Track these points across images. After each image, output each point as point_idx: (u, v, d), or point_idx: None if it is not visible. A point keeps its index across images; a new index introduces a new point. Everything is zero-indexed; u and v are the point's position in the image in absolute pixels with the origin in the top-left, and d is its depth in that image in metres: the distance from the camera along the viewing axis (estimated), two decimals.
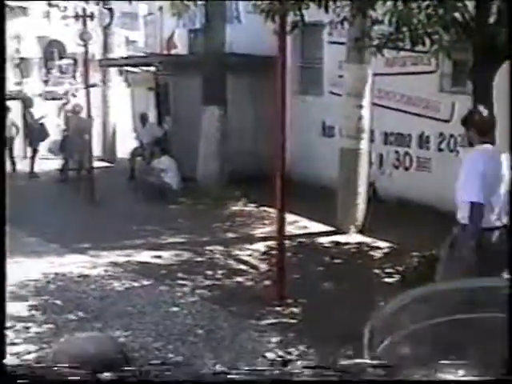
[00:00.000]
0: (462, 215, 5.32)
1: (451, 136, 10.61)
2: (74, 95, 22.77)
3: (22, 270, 8.32)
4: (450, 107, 10.52)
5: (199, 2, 13.26)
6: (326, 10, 7.36)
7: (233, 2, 14.82)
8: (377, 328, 1.86)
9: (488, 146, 5.47)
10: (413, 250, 8.53)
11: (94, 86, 16.18)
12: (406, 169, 11.60)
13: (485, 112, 5.60)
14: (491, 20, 6.88)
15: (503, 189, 5.33)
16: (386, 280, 7.90)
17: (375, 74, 10.17)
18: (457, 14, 6.63)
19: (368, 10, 7.69)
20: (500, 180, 5.36)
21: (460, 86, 10.02)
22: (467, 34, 6.85)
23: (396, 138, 11.76)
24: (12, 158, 15.89)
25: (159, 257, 8.91)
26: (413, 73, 11.17)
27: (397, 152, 11.74)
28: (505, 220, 5.33)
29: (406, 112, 11.50)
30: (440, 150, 10.89)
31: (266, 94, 11.69)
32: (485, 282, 2.29)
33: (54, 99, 18.22)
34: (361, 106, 9.74)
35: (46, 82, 36.00)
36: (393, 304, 2.04)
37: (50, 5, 19.71)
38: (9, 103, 16.39)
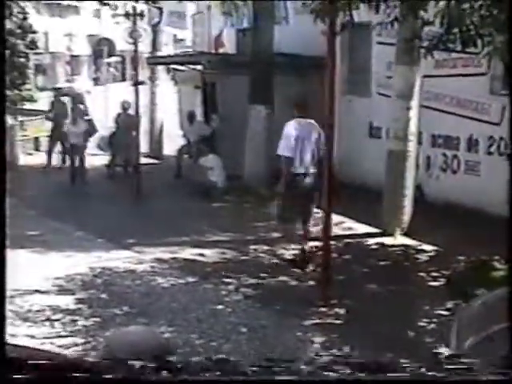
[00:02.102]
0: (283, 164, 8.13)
1: (501, 139, 10.45)
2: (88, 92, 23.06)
3: (70, 263, 8.47)
4: (500, 110, 10.36)
5: (248, 2, 13.30)
6: (377, 11, 7.32)
7: (281, 3, 14.82)
8: (464, 324, 1.86)
9: (301, 119, 8.25)
10: (459, 253, 8.44)
11: (142, 83, 16.31)
12: (454, 172, 11.46)
13: (303, 97, 8.85)
14: None
15: (311, 148, 8.13)
16: (432, 283, 7.82)
17: (424, 76, 10.07)
18: None
19: (419, 11, 7.63)
20: (308, 142, 8.11)
21: None
22: None
23: (444, 141, 11.63)
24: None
25: (204, 254, 8.97)
26: (463, 75, 11.04)
27: (445, 155, 11.61)
28: (311, 169, 8.16)
29: (454, 114, 11.37)
30: (489, 153, 10.73)
31: (313, 94, 11.67)
32: None
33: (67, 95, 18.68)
34: (409, 108, 9.65)
35: (95, 80, 36.49)
36: (479, 302, 2.03)
37: (101, 3, 19.94)
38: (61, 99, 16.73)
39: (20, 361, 1.51)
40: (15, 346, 1.61)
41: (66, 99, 17.22)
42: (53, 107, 17.02)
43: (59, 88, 22.01)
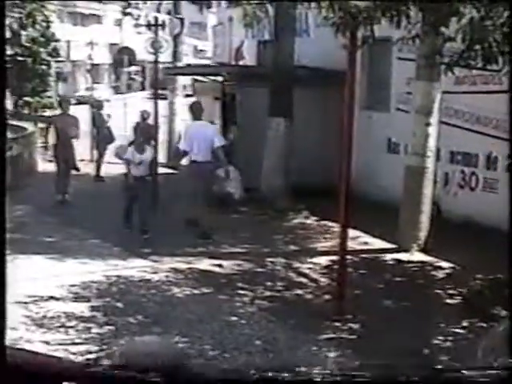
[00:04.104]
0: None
1: None
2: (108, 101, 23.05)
3: (86, 271, 8.50)
4: None
5: (269, 14, 13.34)
6: (399, 26, 7.31)
7: (302, 15, 14.86)
8: (490, 346, 1.85)
9: (198, 121, 10.79)
10: (476, 272, 8.38)
11: (162, 96, 16.35)
12: (472, 189, 11.41)
13: (198, 104, 11.50)
14: None
15: (205, 142, 10.33)
16: (448, 301, 7.77)
17: (444, 92, 10.05)
18: None
19: (441, 27, 7.62)
20: (202, 138, 10.34)
21: None
22: None
23: (463, 158, 11.59)
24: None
25: (220, 265, 8.97)
26: (483, 92, 11.00)
27: (463, 172, 11.56)
28: (203, 158, 10.36)
29: (474, 131, 11.33)
30: (508, 171, 10.66)
31: (332, 107, 11.68)
32: None
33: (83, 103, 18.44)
34: (428, 124, 9.63)
35: (114, 88, 36.71)
36: (505, 324, 2.02)
37: (123, 13, 20.13)
38: (79, 107, 16.75)
39: (19, 365, 1.52)
40: (15, 349, 1.61)
41: (74, 111, 16.72)
42: (59, 118, 15.47)
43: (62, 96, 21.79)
